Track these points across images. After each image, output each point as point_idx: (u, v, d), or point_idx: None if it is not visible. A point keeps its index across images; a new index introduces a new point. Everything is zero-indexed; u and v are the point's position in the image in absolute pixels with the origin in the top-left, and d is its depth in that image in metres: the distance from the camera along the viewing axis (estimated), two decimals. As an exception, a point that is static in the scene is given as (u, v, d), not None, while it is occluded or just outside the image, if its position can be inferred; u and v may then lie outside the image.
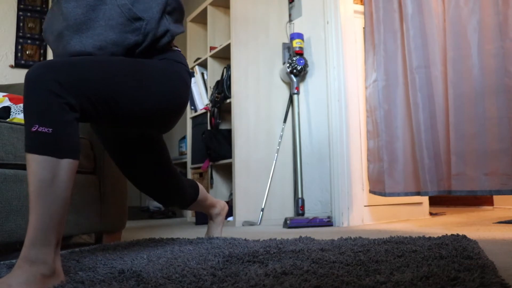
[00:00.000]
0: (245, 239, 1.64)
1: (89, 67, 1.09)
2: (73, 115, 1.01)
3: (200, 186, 1.71)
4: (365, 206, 2.69)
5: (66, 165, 0.98)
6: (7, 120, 1.73)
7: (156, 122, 1.28)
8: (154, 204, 4.47)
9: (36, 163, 0.95)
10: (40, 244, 0.94)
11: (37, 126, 0.95)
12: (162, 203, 1.61)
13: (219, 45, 3.25)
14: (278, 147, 2.99)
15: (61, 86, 0.99)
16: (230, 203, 3.01)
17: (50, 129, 0.96)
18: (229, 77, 3.04)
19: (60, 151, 0.97)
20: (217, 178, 3.23)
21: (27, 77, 0.99)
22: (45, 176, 0.95)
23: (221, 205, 1.83)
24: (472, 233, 1.77)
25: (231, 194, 3.13)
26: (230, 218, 2.88)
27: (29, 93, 0.98)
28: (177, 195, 1.57)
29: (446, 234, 1.55)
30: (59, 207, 0.97)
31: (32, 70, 1.00)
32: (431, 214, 3.07)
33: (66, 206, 0.99)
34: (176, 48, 1.38)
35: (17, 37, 3.38)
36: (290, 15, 3.19)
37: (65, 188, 0.98)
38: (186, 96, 1.33)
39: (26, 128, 0.97)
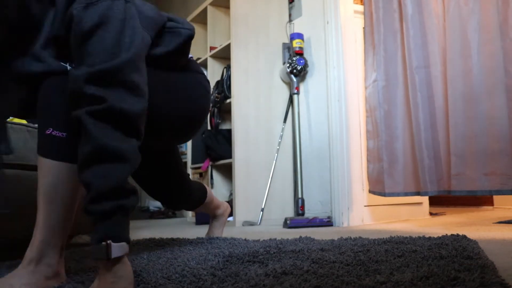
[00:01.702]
0: (245, 239, 1.64)
1: None
2: None
3: (208, 189, 1.71)
4: (365, 206, 2.69)
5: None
6: (7, 120, 1.73)
7: (182, 130, 1.29)
8: (154, 204, 4.47)
9: (47, 168, 0.95)
10: (45, 247, 0.94)
11: (51, 129, 0.96)
12: (171, 207, 1.60)
13: (219, 45, 3.25)
14: (278, 147, 2.99)
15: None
16: (230, 203, 3.01)
17: (64, 134, 0.96)
18: (229, 77, 3.04)
19: (72, 157, 0.96)
20: (217, 178, 3.23)
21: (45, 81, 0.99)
22: (55, 181, 0.95)
23: (224, 206, 1.83)
24: (472, 233, 1.77)
25: (231, 194, 3.13)
26: (230, 218, 2.88)
27: (45, 95, 0.98)
28: (186, 198, 1.57)
29: (446, 234, 1.55)
30: (67, 212, 0.98)
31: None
32: (431, 214, 3.07)
33: (73, 210, 1.00)
34: (191, 57, 1.37)
35: (17, 37, 3.38)
36: (290, 15, 3.19)
37: (73, 192, 0.98)
38: (209, 104, 1.34)
39: (40, 129, 0.97)
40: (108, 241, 0.83)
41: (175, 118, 1.21)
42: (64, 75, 1.00)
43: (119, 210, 0.85)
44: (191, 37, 1.21)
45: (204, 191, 1.67)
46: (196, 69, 1.33)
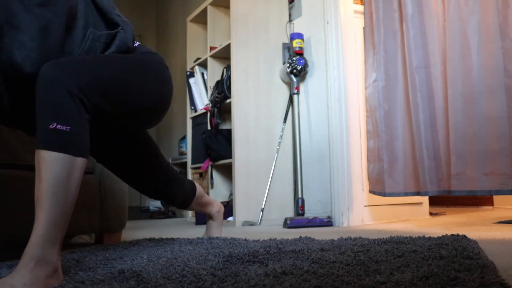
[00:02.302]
0: (245, 239, 1.64)
1: (99, 65, 1.12)
2: (86, 115, 1.03)
3: (196, 183, 1.74)
4: (365, 206, 2.69)
5: (80, 163, 1.00)
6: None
7: (156, 113, 1.31)
8: (154, 204, 4.47)
9: (53, 160, 0.96)
10: (47, 243, 0.94)
11: (55, 124, 0.97)
12: (163, 199, 1.62)
13: (219, 45, 3.25)
14: (278, 147, 2.99)
15: (77, 85, 1.01)
16: (230, 203, 3.01)
17: (68, 127, 0.98)
18: (229, 77, 3.04)
19: (76, 149, 0.99)
20: (217, 178, 3.23)
21: (42, 76, 1.00)
22: (61, 174, 0.96)
23: (218, 205, 1.83)
24: (472, 233, 1.77)
25: (231, 194, 3.13)
26: (230, 218, 2.88)
27: (46, 91, 0.99)
28: (177, 188, 1.59)
29: (446, 234, 1.55)
30: (69, 206, 0.98)
31: (47, 69, 1.01)
32: (431, 214, 3.07)
33: (73, 205, 1.00)
34: (138, 43, 1.39)
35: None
36: (290, 15, 3.19)
37: (76, 186, 1.00)
38: (172, 82, 1.37)
39: (42, 126, 0.98)
40: None
41: (148, 99, 1.24)
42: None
43: None
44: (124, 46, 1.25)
45: (193, 184, 1.70)
46: (148, 50, 1.35)
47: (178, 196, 1.61)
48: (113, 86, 1.12)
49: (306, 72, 2.96)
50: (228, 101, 3.03)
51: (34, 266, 0.91)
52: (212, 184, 3.20)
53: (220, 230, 1.84)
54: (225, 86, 3.07)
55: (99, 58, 1.16)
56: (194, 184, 1.71)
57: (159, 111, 1.32)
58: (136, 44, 1.33)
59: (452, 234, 1.53)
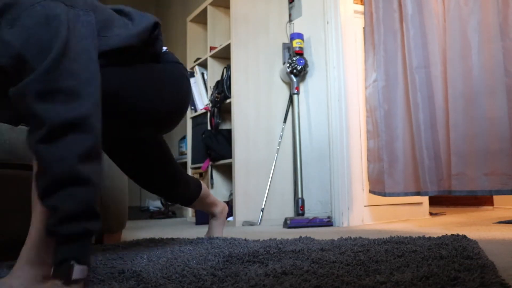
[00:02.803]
0: (245, 239, 1.64)
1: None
2: None
3: (203, 183, 1.73)
4: (365, 206, 2.69)
5: None
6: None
7: (168, 122, 1.31)
8: (154, 204, 4.47)
9: None
10: (42, 245, 0.94)
11: None
12: (168, 198, 1.62)
13: (219, 45, 3.25)
14: (278, 147, 2.99)
15: None
16: (230, 203, 3.01)
17: None
18: (229, 77, 3.04)
19: None
20: (217, 178, 3.23)
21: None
22: None
23: (222, 205, 1.83)
24: (472, 233, 1.77)
25: (231, 194, 3.13)
26: (230, 218, 2.88)
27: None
28: (182, 188, 1.58)
29: (446, 234, 1.55)
30: None
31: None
32: (431, 214, 3.07)
33: None
34: (165, 49, 1.38)
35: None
36: (290, 15, 3.19)
37: None
38: (190, 93, 1.36)
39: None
40: (72, 262, 0.84)
41: (160, 110, 1.23)
42: None
43: (85, 233, 0.87)
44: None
45: (199, 184, 1.69)
46: (174, 60, 1.34)
47: (182, 195, 1.61)
48: (123, 95, 1.12)
49: (306, 72, 2.96)
50: (228, 101, 3.03)
51: (30, 268, 0.92)
52: (212, 184, 3.20)
53: (222, 229, 1.84)
54: (225, 86, 3.07)
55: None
56: (200, 186, 1.70)
57: (173, 121, 1.32)
58: (164, 49, 1.32)
59: (452, 234, 1.53)
